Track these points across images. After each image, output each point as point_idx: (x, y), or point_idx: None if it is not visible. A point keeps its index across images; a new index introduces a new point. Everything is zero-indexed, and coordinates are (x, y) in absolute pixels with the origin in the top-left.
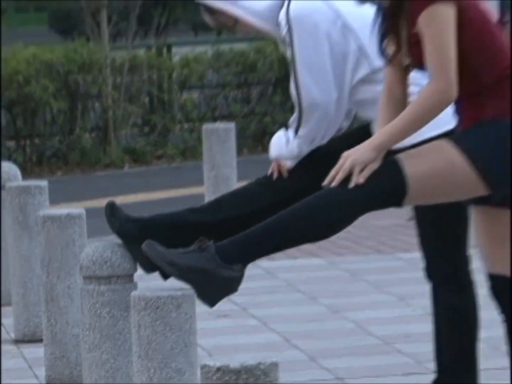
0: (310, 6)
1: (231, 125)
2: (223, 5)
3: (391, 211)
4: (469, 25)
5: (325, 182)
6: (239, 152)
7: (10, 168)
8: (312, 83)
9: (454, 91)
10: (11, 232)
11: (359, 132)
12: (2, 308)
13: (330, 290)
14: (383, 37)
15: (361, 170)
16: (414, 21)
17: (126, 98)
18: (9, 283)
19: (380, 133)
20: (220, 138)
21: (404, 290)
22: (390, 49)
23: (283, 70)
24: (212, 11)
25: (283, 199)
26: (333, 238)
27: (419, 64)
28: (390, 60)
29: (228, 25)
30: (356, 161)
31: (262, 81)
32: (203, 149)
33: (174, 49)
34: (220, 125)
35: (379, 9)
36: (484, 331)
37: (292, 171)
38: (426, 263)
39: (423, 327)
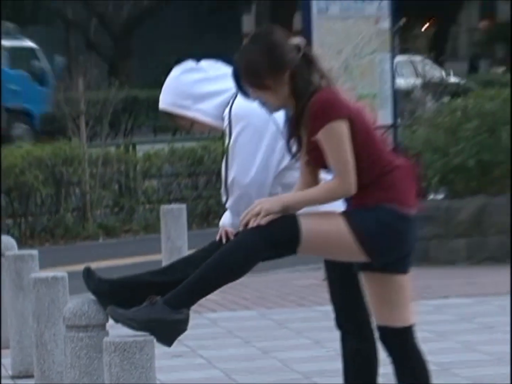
0: (248, 108)
1: (183, 206)
2: (181, 111)
3: (310, 274)
4: (355, 137)
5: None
6: (190, 227)
7: (8, 241)
8: (239, 167)
9: (352, 189)
10: (9, 291)
11: None
12: (2, 351)
13: (261, 336)
14: (289, 137)
15: (266, 216)
16: (314, 133)
17: (100, 185)
18: (7, 331)
19: (291, 195)
20: (174, 216)
21: (320, 335)
22: (294, 148)
23: None
24: (172, 116)
25: None
26: (264, 294)
27: (318, 164)
28: (294, 157)
29: (186, 126)
30: (262, 208)
31: (208, 171)
32: (161, 225)
33: (138, 147)
34: (174, 206)
35: (286, 116)
36: (382, 368)
37: (235, 236)
38: (336, 314)
39: (335, 365)
